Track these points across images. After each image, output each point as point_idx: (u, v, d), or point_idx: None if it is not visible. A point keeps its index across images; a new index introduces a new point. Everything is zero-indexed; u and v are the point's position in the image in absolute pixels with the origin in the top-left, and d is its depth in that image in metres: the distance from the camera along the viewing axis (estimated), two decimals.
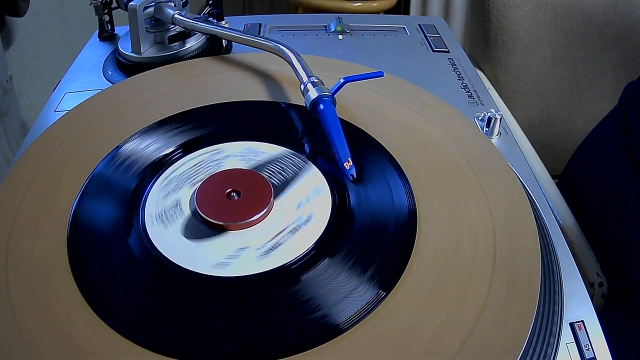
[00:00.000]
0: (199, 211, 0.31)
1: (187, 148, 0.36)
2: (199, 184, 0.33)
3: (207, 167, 0.35)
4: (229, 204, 0.32)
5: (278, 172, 0.34)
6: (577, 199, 0.55)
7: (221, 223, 0.31)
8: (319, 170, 0.34)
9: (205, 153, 0.36)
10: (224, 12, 0.52)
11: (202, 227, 0.31)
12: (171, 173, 0.35)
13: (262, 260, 0.29)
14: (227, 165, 0.35)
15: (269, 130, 0.38)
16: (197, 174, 0.34)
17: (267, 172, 0.34)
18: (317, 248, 0.30)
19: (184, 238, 0.31)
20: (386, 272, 0.28)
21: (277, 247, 0.30)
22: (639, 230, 0.49)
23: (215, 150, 0.36)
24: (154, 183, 0.34)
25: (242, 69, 0.44)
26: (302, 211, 0.32)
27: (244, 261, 0.29)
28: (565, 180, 0.62)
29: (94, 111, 0.39)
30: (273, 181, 0.33)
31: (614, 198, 0.52)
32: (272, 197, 0.32)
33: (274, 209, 0.32)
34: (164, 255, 0.29)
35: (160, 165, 0.35)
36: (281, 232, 0.31)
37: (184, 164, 0.35)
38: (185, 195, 0.33)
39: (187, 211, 0.32)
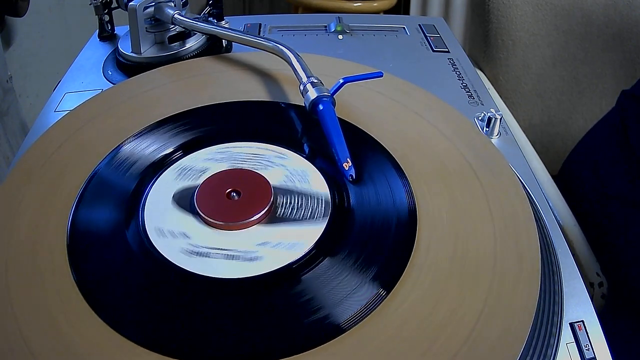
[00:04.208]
0: (198, 187, 0.32)
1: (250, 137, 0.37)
2: (232, 167, 0.34)
3: (259, 162, 0.35)
4: (220, 198, 0.32)
5: (294, 207, 0.32)
6: (575, 197, 0.55)
7: (196, 207, 0.31)
8: (322, 230, 0.31)
9: (269, 150, 0.36)
10: (224, 12, 0.52)
11: (189, 199, 0.32)
12: (232, 147, 0.36)
13: (183, 255, 0.29)
14: (270, 171, 0.34)
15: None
16: (246, 161, 0.35)
17: (286, 199, 0.33)
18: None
19: (171, 197, 0.33)
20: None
21: (202, 256, 0.29)
22: (638, 231, 0.49)
23: (281, 154, 0.36)
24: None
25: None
26: (257, 249, 0.30)
27: (173, 242, 0.30)
28: (562, 178, 0.62)
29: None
30: (280, 211, 0.32)
31: (613, 198, 0.52)
32: (258, 221, 0.31)
33: (247, 231, 0.31)
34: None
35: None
36: (217, 249, 0.30)
37: (249, 147, 0.36)
38: (216, 168, 0.34)
39: (199, 181, 0.33)
